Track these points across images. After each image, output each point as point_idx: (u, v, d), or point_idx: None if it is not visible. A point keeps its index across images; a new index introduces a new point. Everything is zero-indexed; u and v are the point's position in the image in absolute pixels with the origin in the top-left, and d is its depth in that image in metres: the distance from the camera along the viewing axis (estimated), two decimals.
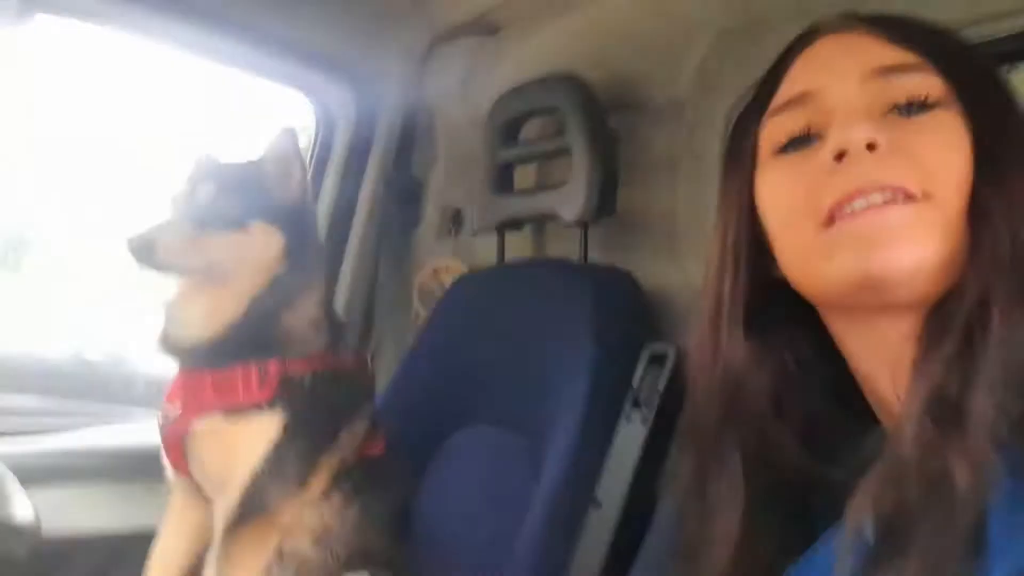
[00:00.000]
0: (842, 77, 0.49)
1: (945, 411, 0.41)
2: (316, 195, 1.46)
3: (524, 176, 1.34)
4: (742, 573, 0.51)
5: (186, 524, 1.02)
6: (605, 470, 0.97)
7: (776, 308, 0.53)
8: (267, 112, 1.68)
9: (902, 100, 0.47)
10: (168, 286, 1.00)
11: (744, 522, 0.51)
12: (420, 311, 1.48)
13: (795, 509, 0.52)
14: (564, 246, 1.27)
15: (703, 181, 1.12)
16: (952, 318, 0.43)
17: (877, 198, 0.44)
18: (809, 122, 0.50)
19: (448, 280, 1.40)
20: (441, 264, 1.49)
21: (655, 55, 1.23)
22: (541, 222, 1.33)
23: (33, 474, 1.09)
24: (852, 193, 0.45)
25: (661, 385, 0.98)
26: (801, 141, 0.50)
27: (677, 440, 0.59)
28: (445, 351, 1.21)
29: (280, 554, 0.96)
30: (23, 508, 1.01)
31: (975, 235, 0.44)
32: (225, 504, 0.93)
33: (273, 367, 0.94)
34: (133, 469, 1.17)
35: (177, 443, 0.96)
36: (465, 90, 1.46)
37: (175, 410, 0.96)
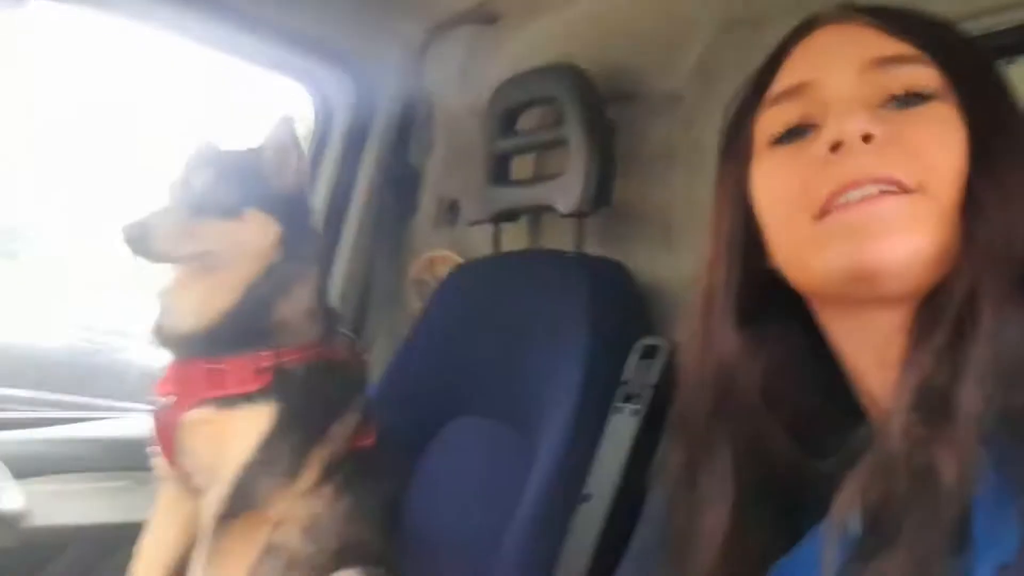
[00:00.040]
0: (839, 68, 0.48)
1: (933, 404, 0.41)
2: (312, 184, 1.46)
3: (521, 167, 1.34)
4: (731, 566, 0.50)
5: (176, 516, 1.02)
6: (596, 462, 0.97)
7: (769, 301, 0.53)
8: (265, 100, 1.67)
9: (899, 92, 0.47)
10: (163, 277, 0.99)
11: (734, 515, 0.51)
12: (415, 302, 1.48)
13: (785, 503, 0.52)
14: (560, 237, 1.27)
15: (700, 174, 1.11)
16: (943, 310, 0.43)
17: (872, 190, 0.44)
18: (805, 113, 0.49)
19: (443, 271, 1.40)
20: (436, 255, 1.48)
21: (654, 46, 1.23)
22: (537, 213, 1.33)
23: (24, 465, 1.09)
24: (847, 184, 0.44)
25: (653, 378, 0.97)
26: (797, 132, 0.50)
27: (667, 433, 0.59)
28: (439, 342, 1.20)
29: (270, 547, 0.96)
30: (13, 499, 1.01)
31: (968, 227, 0.43)
32: (215, 496, 0.93)
33: (266, 358, 0.94)
34: (123, 461, 1.17)
35: (169, 433, 0.95)
36: (463, 79, 1.45)
37: (168, 400, 0.95)
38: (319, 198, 1.47)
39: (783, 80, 0.52)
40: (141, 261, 0.93)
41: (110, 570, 1.11)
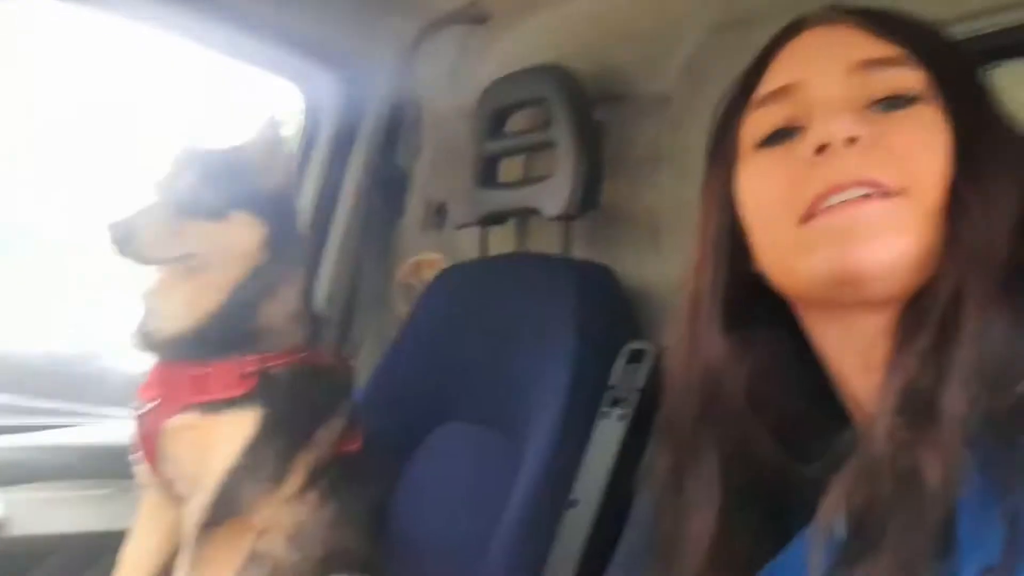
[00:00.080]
0: (825, 70, 0.48)
1: (918, 406, 0.41)
2: (299, 185, 1.45)
3: (509, 169, 1.33)
4: (718, 570, 0.50)
5: (158, 524, 1.00)
6: (583, 467, 0.96)
7: (755, 305, 0.53)
8: (252, 99, 1.66)
9: (884, 94, 0.47)
10: (146, 280, 0.98)
11: (720, 519, 0.51)
12: (402, 305, 1.47)
13: (771, 507, 0.51)
14: (547, 240, 1.27)
15: (688, 176, 1.10)
16: (927, 313, 0.43)
17: (856, 193, 0.44)
18: (791, 115, 0.49)
19: (430, 274, 1.39)
20: (424, 258, 1.48)
21: (643, 48, 1.23)
22: (524, 216, 1.33)
23: (3, 473, 1.07)
24: (831, 187, 0.44)
25: (639, 382, 0.97)
26: (783, 134, 0.49)
27: (654, 437, 0.59)
28: (426, 346, 1.20)
29: (254, 554, 0.95)
30: None
31: (952, 230, 0.43)
32: (198, 503, 0.92)
33: (251, 361, 0.93)
34: (105, 468, 1.15)
35: (152, 439, 0.94)
36: (453, 80, 1.45)
37: (151, 405, 0.94)
38: (306, 199, 1.46)
39: (769, 82, 0.52)
40: (127, 262, 0.91)
41: None
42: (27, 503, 1.07)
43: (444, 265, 1.40)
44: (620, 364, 1.01)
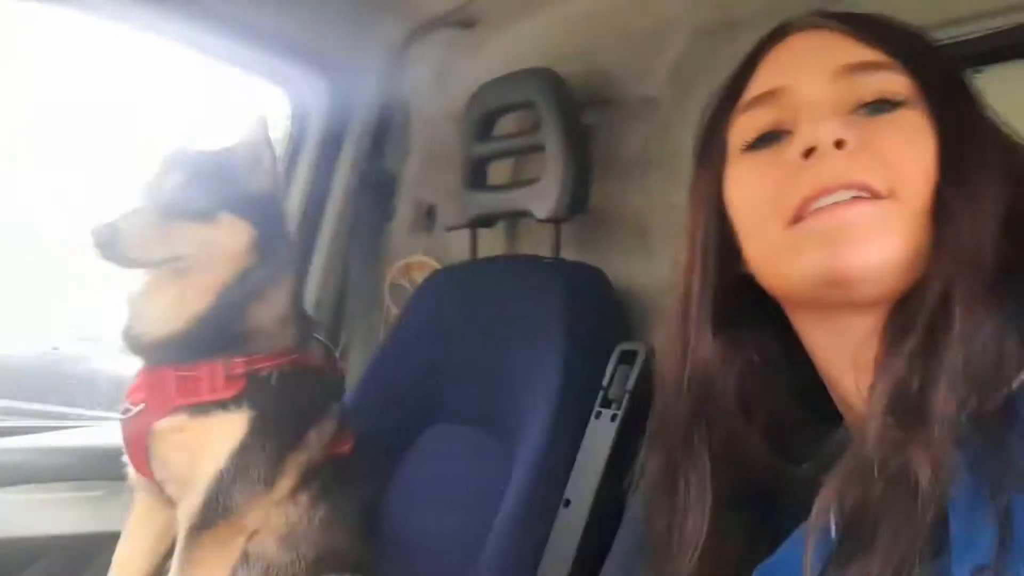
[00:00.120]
0: (811, 74, 0.49)
1: (907, 408, 0.41)
2: (287, 188, 1.44)
3: (498, 172, 1.34)
4: (711, 570, 0.51)
5: (150, 526, 1.00)
6: (575, 468, 0.96)
7: (745, 306, 0.53)
8: (240, 102, 1.65)
9: (870, 98, 0.47)
10: (133, 281, 0.97)
11: (712, 520, 0.51)
12: (391, 307, 1.47)
13: (763, 507, 0.52)
14: (537, 242, 1.27)
15: (676, 179, 1.11)
16: (915, 315, 0.43)
17: (844, 195, 0.44)
18: (778, 118, 0.50)
19: (420, 276, 1.39)
20: (413, 260, 1.48)
21: (631, 52, 1.23)
22: (514, 219, 1.33)
23: None
24: (819, 190, 0.45)
25: (631, 383, 0.98)
26: (770, 138, 0.50)
27: (646, 438, 0.59)
28: (416, 348, 1.20)
29: (246, 556, 0.95)
30: None
31: (939, 233, 0.44)
32: (189, 505, 0.91)
33: (239, 364, 0.93)
34: (97, 470, 1.15)
35: (140, 442, 0.94)
36: (441, 83, 1.45)
37: (138, 408, 0.94)
38: (294, 202, 1.46)
39: (756, 86, 0.52)
40: (111, 265, 0.91)
41: None
42: (19, 505, 1.07)
43: (434, 267, 1.40)
44: (611, 365, 1.01)
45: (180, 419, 0.91)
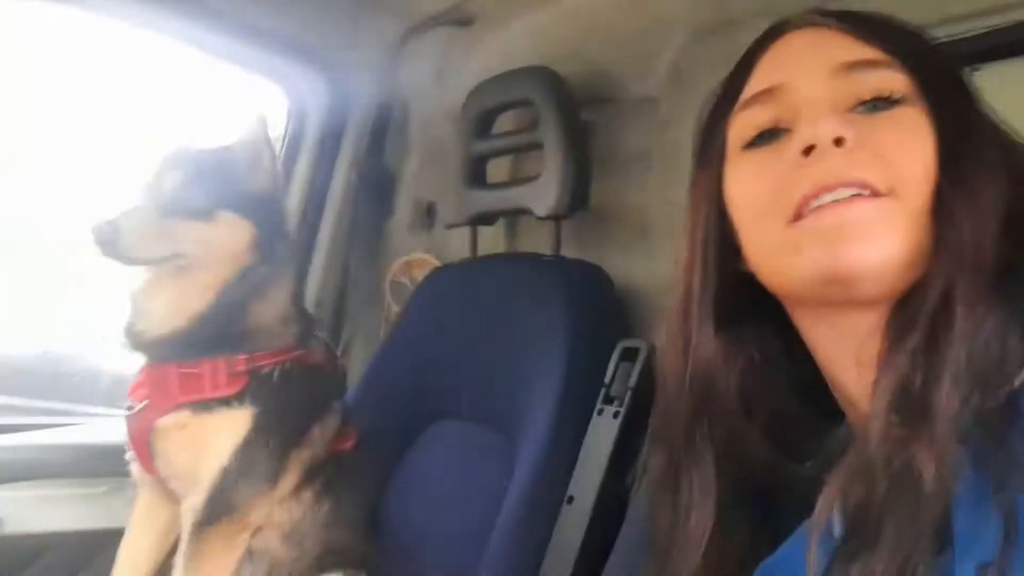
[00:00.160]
0: (810, 72, 0.49)
1: (910, 405, 0.41)
2: (287, 186, 1.45)
3: (497, 170, 1.34)
4: (714, 568, 0.51)
5: (154, 522, 1.00)
6: (578, 465, 0.97)
7: (746, 304, 0.53)
8: (238, 100, 1.65)
9: (868, 96, 0.47)
10: (133, 281, 0.98)
11: (715, 517, 0.52)
12: (392, 305, 1.47)
13: (766, 504, 0.52)
14: (537, 240, 1.27)
15: (675, 176, 1.12)
16: (917, 313, 0.43)
17: (844, 193, 0.44)
18: (777, 116, 0.50)
19: (420, 274, 1.40)
20: (413, 258, 1.48)
21: (629, 50, 1.24)
22: (514, 216, 1.33)
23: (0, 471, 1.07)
24: (819, 188, 0.45)
25: (633, 380, 0.98)
26: (769, 135, 0.50)
27: (649, 435, 0.59)
28: (417, 346, 1.20)
29: (250, 552, 0.95)
30: None
31: (939, 231, 0.44)
32: (193, 502, 0.92)
33: (241, 361, 0.93)
34: (101, 467, 1.15)
35: (143, 439, 0.94)
36: (439, 81, 1.45)
37: (141, 405, 0.94)
38: (294, 200, 1.46)
39: (754, 84, 0.52)
40: (111, 262, 0.91)
41: None
42: (24, 501, 1.07)
43: (434, 265, 1.40)
44: (613, 362, 1.01)
45: (183, 416, 0.92)
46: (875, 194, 0.44)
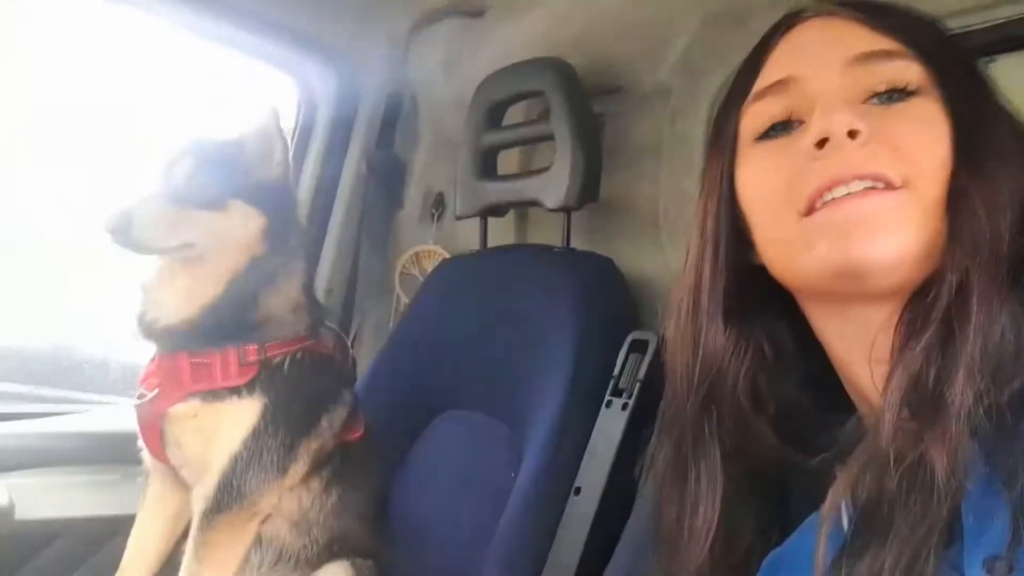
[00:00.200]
0: (824, 63, 0.48)
1: (923, 399, 0.41)
2: (297, 176, 1.45)
3: (508, 161, 1.33)
4: (722, 560, 0.51)
5: (164, 510, 1.01)
6: (586, 457, 0.97)
7: (756, 296, 0.53)
8: (249, 91, 1.65)
9: (883, 88, 0.47)
10: (146, 268, 0.98)
11: (723, 509, 0.52)
12: (401, 296, 1.48)
13: (774, 497, 0.52)
14: (547, 232, 1.27)
15: (686, 168, 1.12)
16: (931, 306, 0.43)
17: (858, 186, 0.44)
18: (790, 108, 0.49)
19: (429, 265, 1.40)
20: (423, 248, 1.48)
21: (640, 40, 1.23)
22: (524, 208, 1.33)
23: (9, 459, 1.08)
24: (833, 180, 0.44)
25: (642, 373, 0.98)
26: (782, 127, 0.50)
27: (657, 428, 0.59)
28: (426, 337, 1.20)
29: (259, 540, 0.96)
30: None
31: (954, 223, 0.44)
32: (203, 489, 0.93)
33: (252, 350, 0.93)
34: (110, 455, 1.16)
35: (154, 427, 0.95)
36: (449, 72, 1.45)
37: (153, 393, 0.95)
38: (304, 190, 1.46)
39: (767, 75, 0.52)
40: (123, 251, 0.91)
41: (99, 563, 1.11)
42: (36, 488, 1.08)
43: (444, 256, 1.40)
44: (622, 354, 1.01)
45: (194, 404, 0.92)
46: (889, 187, 0.44)
